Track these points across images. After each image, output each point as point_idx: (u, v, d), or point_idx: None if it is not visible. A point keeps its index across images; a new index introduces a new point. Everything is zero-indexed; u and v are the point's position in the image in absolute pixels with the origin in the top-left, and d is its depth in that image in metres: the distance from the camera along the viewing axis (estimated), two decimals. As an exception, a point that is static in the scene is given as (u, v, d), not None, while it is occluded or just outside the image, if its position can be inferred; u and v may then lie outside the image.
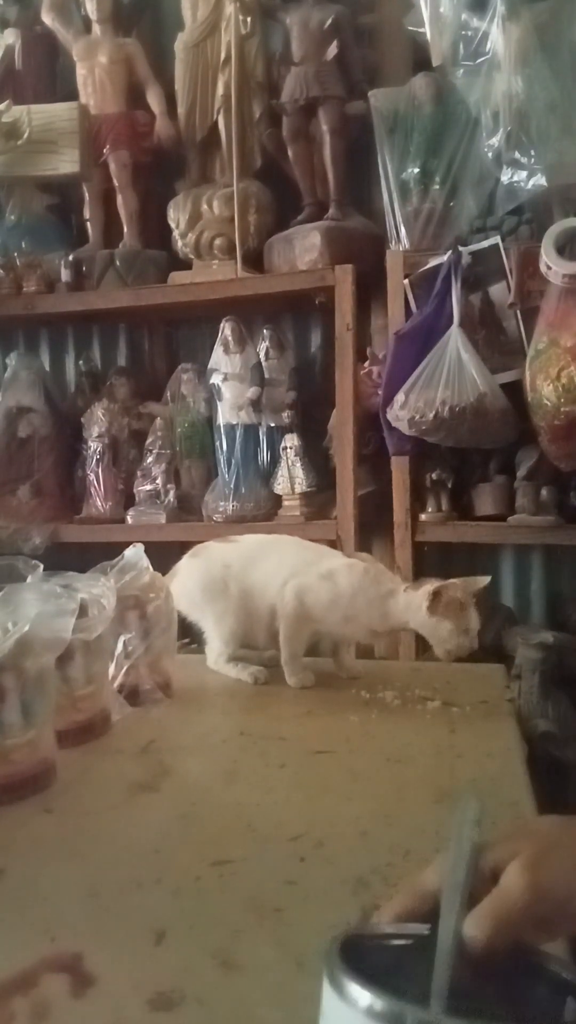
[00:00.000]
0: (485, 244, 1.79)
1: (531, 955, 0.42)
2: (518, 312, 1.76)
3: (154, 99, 2.18)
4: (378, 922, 0.46)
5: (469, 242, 1.81)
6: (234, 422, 2.05)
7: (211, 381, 2.07)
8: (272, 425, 2.06)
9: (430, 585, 1.16)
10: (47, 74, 2.31)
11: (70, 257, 2.15)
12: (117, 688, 1.13)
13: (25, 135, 2.12)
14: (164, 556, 1.35)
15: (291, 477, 2.00)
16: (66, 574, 1.05)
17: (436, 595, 1.14)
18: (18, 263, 2.15)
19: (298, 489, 1.99)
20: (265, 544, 1.34)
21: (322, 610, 1.22)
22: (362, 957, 0.40)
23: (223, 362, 2.04)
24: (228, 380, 2.04)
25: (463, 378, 1.70)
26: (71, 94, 2.22)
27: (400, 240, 1.92)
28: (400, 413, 1.75)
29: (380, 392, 1.84)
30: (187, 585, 1.29)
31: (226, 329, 2.03)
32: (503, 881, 0.43)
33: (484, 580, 1.19)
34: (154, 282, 2.13)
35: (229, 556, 1.31)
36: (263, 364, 2.06)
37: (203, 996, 0.55)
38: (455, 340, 1.73)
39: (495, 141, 1.78)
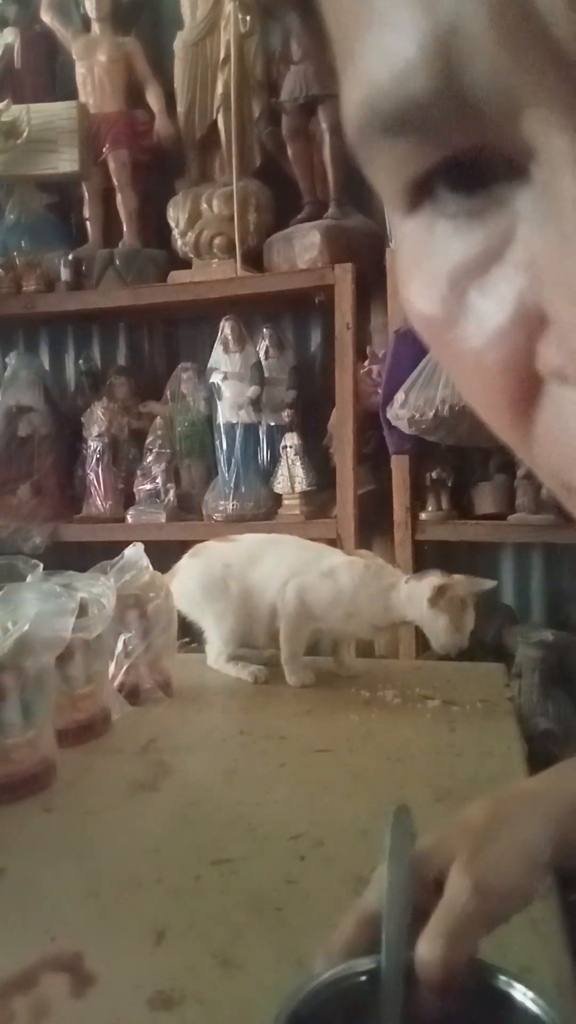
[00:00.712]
0: (485, 243, 1.79)
1: (490, 977, 0.40)
2: (518, 311, 1.76)
3: (153, 98, 2.18)
4: (325, 961, 0.42)
5: (469, 241, 1.81)
6: (234, 421, 2.05)
7: (211, 380, 2.07)
8: (272, 424, 2.06)
9: (435, 578, 1.16)
10: (46, 73, 2.31)
11: (70, 256, 2.15)
12: (117, 687, 1.13)
13: (24, 134, 2.12)
14: (164, 555, 1.35)
15: (291, 476, 2.00)
16: (66, 573, 1.05)
17: (440, 590, 1.15)
18: (18, 262, 2.15)
19: (298, 488, 1.99)
20: (265, 543, 1.34)
21: (324, 608, 1.22)
22: (316, 1012, 0.38)
23: (223, 361, 2.04)
24: (228, 379, 2.04)
25: (463, 377, 1.70)
26: (70, 93, 2.22)
27: (400, 239, 1.92)
28: (400, 412, 1.75)
29: (380, 391, 1.84)
30: (187, 584, 1.29)
31: (226, 328, 2.03)
32: (447, 891, 0.41)
33: (490, 583, 1.20)
34: (154, 281, 2.13)
35: (229, 555, 1.31)
36: (263, 363, 2.06)
37: (203, 995, 0.55)
38: (455, 339, 1.73)
39: (495, 139, 1.78)
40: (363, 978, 0.40)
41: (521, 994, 0.39)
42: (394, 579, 1.21)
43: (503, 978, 0.40)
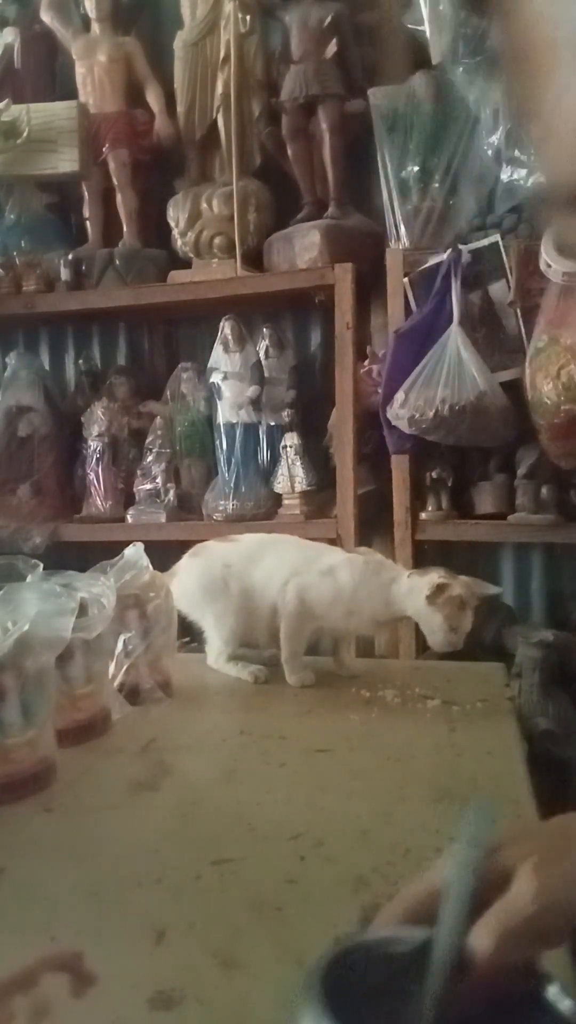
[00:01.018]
0: (485, 242, 1.79)
1: (542, 987, 0.40)
2: (518, 310, 1.76)
3: (153, 98, 2.18)
4: (377, 926, 0.43)
5: (469, 240, 1.81)
6: (234, 421, 2.05)
7: (211, 380, 2.07)
8: (272, 424, 2.06)
9: (436, 576, 1.17)
10: (46, 73, 2.31)
11: (69, 256, 2.14)
12: (117, 687, 1.13)
13: (24, 134, 2.12)
14: (164, 555, 1.35)
15: (291, 476, 2.00)
16: (66, 573, 1.05)
17: (439, 588, 1.15)
18: (17, 262, 2.15)
19: (298, 488, 1.99)
20: (265, 543, 1.34)
21: (325, 607, 1.22)
22: (353, 970, 0.39)
23: (223, 361, 2.04)
24: (228, 379, 2.04)
25: (463, 376, 1.70)
26: (70, 93, 2.22)
27: (400, 238, 1.92)
28: (400, 412, 1.75)
29: (380, 391, 1.84)
30: (187, 584, 1.29)
31: (226, 328, 2.03)
32: (514, 888, 0.41)
33: (494, 589, 1.21)
34: (153, 281, 2.13)
35: (229, 555, 1.31)
36: (263, 363, 2.06)
37: (203, 995, 0.55)
38: (455, 338, 1.73)
39: (495, 139, 1.78)
40: (410, 948, 0.41)
41: (555, 993, 0.39)
42: (395, 573, 1.22)
43: (554, 989, 0.40)
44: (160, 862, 0.73)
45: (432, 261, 1.80)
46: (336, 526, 1.90)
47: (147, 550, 1.22)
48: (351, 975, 0.39)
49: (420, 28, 1.85)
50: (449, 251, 1.76)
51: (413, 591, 1.17)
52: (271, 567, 1.27)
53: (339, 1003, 0.37)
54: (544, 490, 1.79)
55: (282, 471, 2.01)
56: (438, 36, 1.81)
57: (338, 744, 1.01)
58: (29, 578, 1.00)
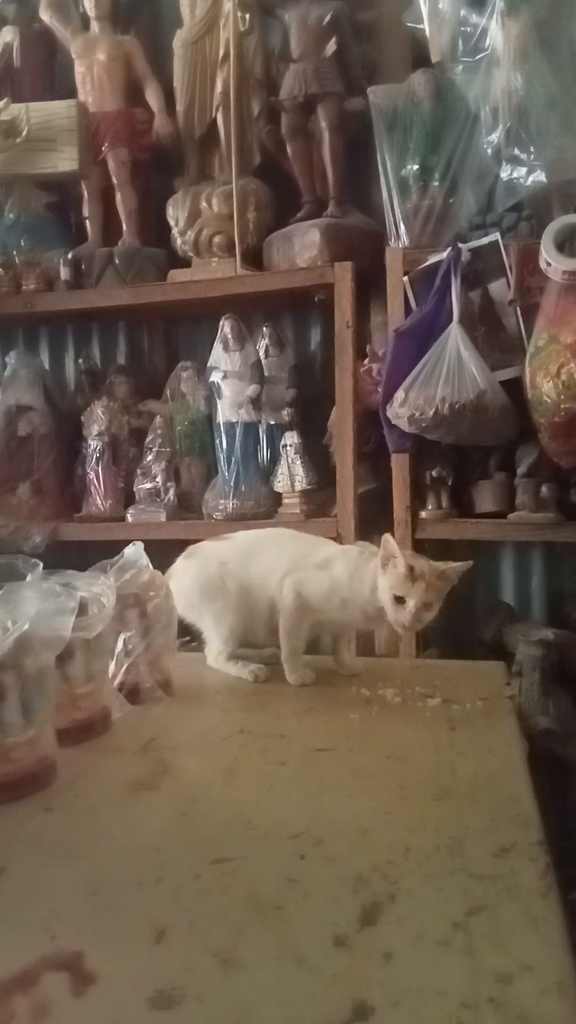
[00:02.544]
0: (485, 241, 1.78)
1: None
2: (518, 309, 1.76)
3: (153, 96, 2.18)
4: None
5: (469, 239, 1.81)
6: (234, 420, 2.04)
7: (211, 379, 2.07)
8: (272, 423, 2.06)
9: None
10: (45, 72, 2.31)
11: (69, 255, 2.14)
12: (117, 686, 1.13)
13: (24, 133, 2.12)
14: (164, 554, 1.35)
15: (291, 475, 2.00)
16: (66, 572, 1.05)
17: (385, 561, 1.16)
18: (17, 261, 2.15)
19: (298, 487, 1.99)
20: (261, 538, 1.34)
21: (321, 599, 1.22)
22: None
23: (223, 360, 2.04)
24: (228, 378, 2.03)
25: (463, 375, 1.70)
26: (70, 92, 2.21)
27: (399, 237, 1.92)
28: (400, 410, 1.75)
29: (380, 389, 1.83)
30: (184, 586, 1.29)
31: (225, 327, 2.03)
32: None
33: (465, 564, 1.18)
34: (153, 280, 2.13)
35: (225, 553, 1.31)
36: (263, 362, 2.06)
37: (203, 994, 0.55)
38: (455, 337, 1.73)
39: (494, 137, 1.78)
40: None
41: None
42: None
43: None
44: (160, 861, 0.73)
45: (432, 260, 1.80)
46: (336, 525, 1.90)
47: (147, 549, 1.22)
48: None
49: (419, 26, 1.85)
50: (449, 249, 1.76)
51: (382, 577, 1.17)
52: (268, 562, 1.27)
53: None
54: (544, 489, 1.79)
55: (282, 470, 2.01)
56: (438, 34, 1.81)
57: (338, 743, 1.01)
58: (29, 577, 1.00)
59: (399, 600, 1.14)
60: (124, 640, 1.14)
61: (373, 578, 1.19)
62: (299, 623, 1.24)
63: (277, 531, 1.40)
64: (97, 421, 2.15)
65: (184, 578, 1.30)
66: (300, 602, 1.23)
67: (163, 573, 1.27)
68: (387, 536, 1.17)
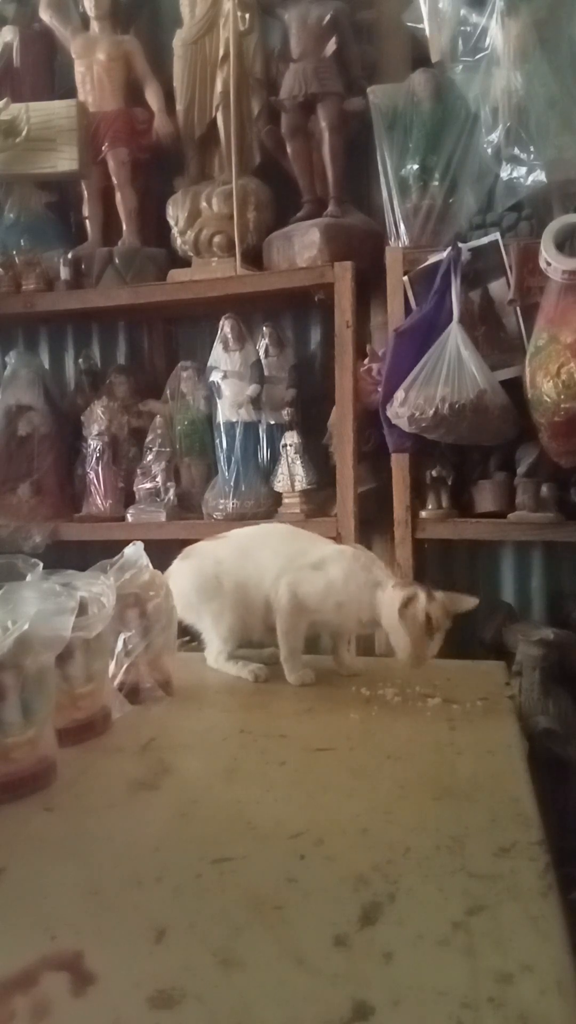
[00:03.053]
0: (484, 240, 1.78)
1: None
2: (518, 308, 1.76)
3: (152, 96, 2.17)
4: None
5: (468, 238, 1.80)
6: (234, 420, 2.04)
7: (211, 379, 2.06)
8: (272, 423, 2.06)
9: (413, 589, 1.14)
10: (45, 71, 2.30)
11: (69, 255, 2.14)
12: (117, 686, 1.13)
13: (23, 133, 2.12)
14: (164, 554, 1.35)
15: (291, 475, 2.00)
16: (66, 572, 1.05)
17: (407, 602, 1.13)
18: (17, 261, 2.15)
19: (298, 487, 1.99)
20: (255, 536, 1.34)
21: (317, 600, 1.22)
22: None
23: (223, 360, 2.04)
24: (228, 378, 2.03)
25: (463, 375, 1.70)
26: (69, 91, 2.21)
27: (399, 237, 1.92)
28: (400, 410, 1.75)
29: (380, 389, 1.83)
30: (181, 587, 1.29)
31: (225, 326, 2.03)
32: None
33: (471, 602, 1.17)
34: (153, 280, 2.13)
35: (220, 552, 1.31)
36: (263, 361, 2.06)
37: (203, 994, 0.55)
38: (455, 337, 1.73)
39: (494, 137, 1.78)
40: None
41: None
42: (382, 577, 1.20)
43: None
44: (160, 861, 0.73)
45: (432, 259, 1.80)
46: (336, 525, 1.90)
47: (147, 549, 1.22)
48: None
49: (419, 26, 1.85)
50: (449, 249, 1.76)
51: (390, 603, 1.15)
52: (263, 559, 1.27)
53: None
54: (544, 488, 1.79)
55: (282, 470, 2.01)
56: (437, 34, 1.81)
57: (338, 742, 1.01)
58: (29, 577, 1.00)
59: (417, 649, 1.13)
60: (124, 640, 1.15)
61: (370, 591, 1.18)
62: (296, 623, 1.24)
63: (272, 527, 1.40)
64: (97, 421, 2.15)
65: (181, 580, 1.30)
66: (296, 602, 1.23)
67: (163, 573, 1.27)
68: (408, 594, 1.14)
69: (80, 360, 2.34)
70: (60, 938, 0.62)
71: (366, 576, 1.20)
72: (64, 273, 2.12)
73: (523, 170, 1.74)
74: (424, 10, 1.82)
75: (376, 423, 1.88)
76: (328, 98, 1.99)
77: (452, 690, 1.18)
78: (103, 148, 2.17)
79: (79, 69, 2.20)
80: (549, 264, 1.60)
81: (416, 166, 1.89)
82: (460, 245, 1.76)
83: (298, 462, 1.99)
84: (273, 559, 1.26)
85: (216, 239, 2.11)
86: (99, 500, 2.14)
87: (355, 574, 1.20)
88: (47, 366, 2.38)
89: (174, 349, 2.33)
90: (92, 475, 2.15)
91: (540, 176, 1.72)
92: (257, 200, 2.09)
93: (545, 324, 1.63)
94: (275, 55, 2.11)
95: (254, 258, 2.09)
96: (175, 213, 2.14)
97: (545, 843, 0.74)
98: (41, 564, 1.02)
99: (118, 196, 2.20)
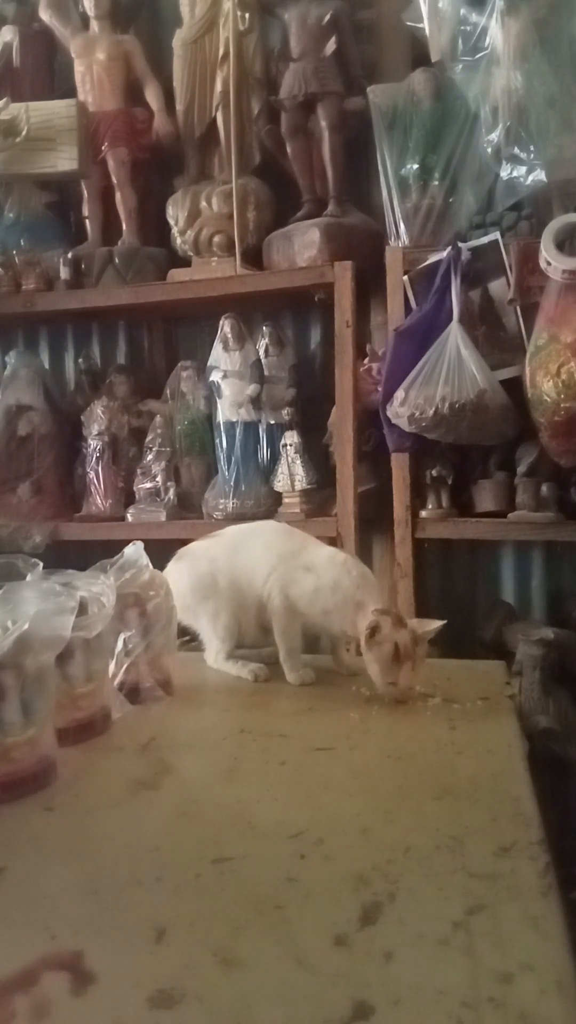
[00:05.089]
0: (484, 240, 1.78)
1: None
2: (518, 308, 1.76)
3: (152, 96, 2.17)
4: None
5: (468, 238, 1.80)
6: (234, 419, 2.04)
7: (211, 378, 2.06)
8: (272, 422, 2.06)
9: (376, 618, 1.11)
10: (45, 71, 2.31)
11: (69, 255, 2.14)
12: (117, 686, 1.13)
13: (23, 132, 2.12)
14: (164, 554, 1.35)
15: (291, 474, 2.00)
16: (66, 572, 1.05)
17: (372, 632, 1.11)
18: (17, 261, 2.15)
19: (298, 486, 1.99)
20: (248, 533, 1.33)
21: (306, 603, 1.22)
22: None
23: (223, 359, 2.04)
24: (228, 377, 2.03)
25: (463, 374, 1.70)
26: (69, 91, 2.21)
27: (399, 236, 1.92)
28: (400, 410, 1.75)
29: (380, 389, 1.83)
30: (177, 588, 1.28)
31: (225, 326, 2.03)
32: None
33: (437, 624, 1.14)
34: (153, 279, 2.13)
35: (213, 551, 1.31)
36: (263, 361, 2.06)
37: (203, 994, 0.55)
38: (455, 336, 1.73)
39: (494, 136, 1.78)
40: None
41: None
42: (366, 599, 1.17)
43: None
44: (160, 861, 0.73)
45: (432, 259, 1.80)
46: (336, 524, 1.90)
47: (147, 549, 1.22)
48: None
49: (419, 26, 1.85)
50: (449, 249, 1.76)
51: (362, 629, 1.13)
52: (256, 556, 1.27)
53: None
54: (544, 488, 1.79)
55: (282, 469, 2.01)
56: (437, 33, 1.81)
57: (338, 742, 1.01)
58: (29, 577, 1.00)
59: (388, 679, 1.11)
60: (124, 640, 1.14)
61: (353, 609, 1.16)
62: (290, 623, 1.24)
63: (265, 524, 1.40)
64: (97, 421, 2.15)
65: (177, 580, 1.29)
66: (288, 603, 1.22)
67: (162, 573, 1.27)
68: (374, 628, 1.11)
69: (80, 360, 2.34)
70: (60, 938, 0.62)
71: (353, 591, 1.18)
72: (64, 273, 2.12)
73: (523, 169, 1.74)
74: (424, 10, 1.82)
75: (376, 423, 1.88)
76: (328, 98, 1.99)
77: (452, 690, 1.18)
78: (103, 148, 2.17)
79: (79, 69, 2.20)
80: (549, 264, 1.60)
81: (416, 166, 1.89)
82: (460, 245, 1.76)
83: (298, 462, 1.99)
84: (265, 555, 1.26)
85: (216, 239, 2.11)
86: (99, 500, 2.14)
87: (342, 585, 1.19)
88: (47, 366, 2.39)
89: (174, 349, 2.34)
90: (92, 475, 2.15)
91: (540, 175, 1.72)
92: (257, 200, 2.09)
93: (545, 324, 1.63)
94: (275, 55, 2.11)
95: (254, 258, 2.09)
96: (175, 213, 2.14)
97: (545, 843, 0.74)
98: (41, 564, 1.02)
99: (118, 196, 2.20)
